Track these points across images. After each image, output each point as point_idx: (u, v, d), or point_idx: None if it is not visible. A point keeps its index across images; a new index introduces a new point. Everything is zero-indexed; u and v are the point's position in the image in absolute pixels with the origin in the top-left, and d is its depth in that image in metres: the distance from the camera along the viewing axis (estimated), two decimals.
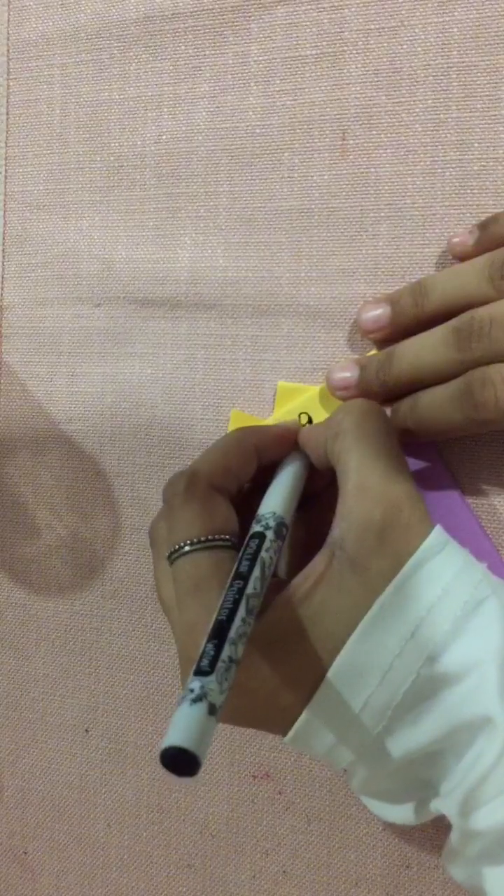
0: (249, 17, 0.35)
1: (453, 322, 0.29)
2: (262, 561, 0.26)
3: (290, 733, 0.26)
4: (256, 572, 0.25)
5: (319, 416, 0.34)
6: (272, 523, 0.27)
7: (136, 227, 0.37)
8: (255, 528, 0.27)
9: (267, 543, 0.27)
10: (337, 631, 0.25)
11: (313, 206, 0.35)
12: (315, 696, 0.25)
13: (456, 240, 0.31)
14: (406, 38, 0.33)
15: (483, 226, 0.31)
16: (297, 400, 0.35)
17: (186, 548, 0.27)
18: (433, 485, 0.33)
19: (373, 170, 0.34)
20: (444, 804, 0.25)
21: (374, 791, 0.28)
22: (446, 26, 0.32)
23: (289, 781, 0.36)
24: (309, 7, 0.34)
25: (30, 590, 0.40)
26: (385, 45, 0.33)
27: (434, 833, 0.34)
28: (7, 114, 0.39)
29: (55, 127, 0.38)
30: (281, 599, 0.26)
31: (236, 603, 0.24)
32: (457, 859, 0.26)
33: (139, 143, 0.37)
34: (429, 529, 0.26)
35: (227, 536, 0.28)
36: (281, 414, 0.35)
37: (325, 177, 0.34)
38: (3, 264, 0.40)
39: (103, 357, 0.38)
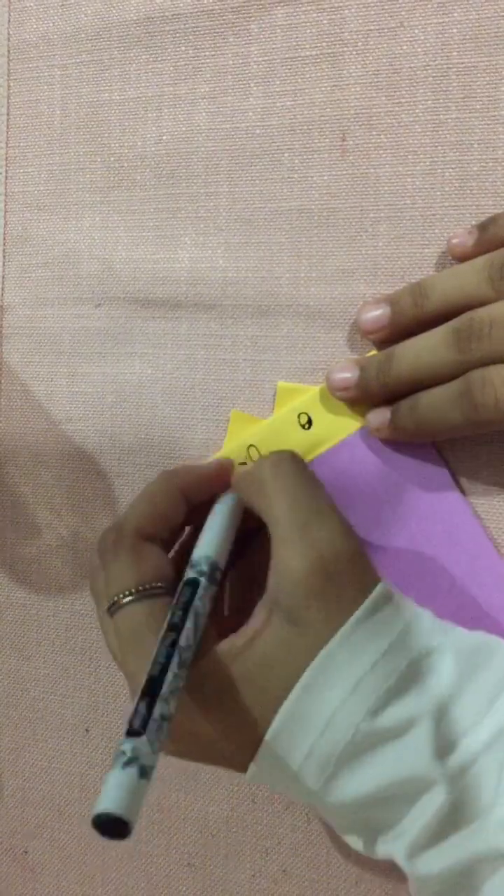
0: (249, 17, 0.35)
1: (453, 323, 0.29)
2: (195, 610, 0.26)
3: (246, 778, 0.27)
4: (189, 623, 0.25)
5: (319, 416, 0.34)
6: (205, 568, 0.27)
7: (137, 228, 0.37)
8: (189, 573, 0.27)
9: (200, 591, 0.27)
10: (278, 685, 0.25)
11: (313, 207, 0.35)
12: (258, 753, 0.26)
13: (455, 240, 0.31)
14: (406, 39, 0.33)
15: (482, 227, 0.31)
16: (297, 400, 0.35)
17: (124, 600, 0.27)
18: (433, 485, 0.33)
19: (373, 170, 0.34)
20: (392, 848, 0.26)
21: (333, 823, 0.28)
22: (446, 27, 0.32)
23: None
24: (309, 8, 0.34)
25: (30, 590, 0.40)
26: (385, 45, 0.33)
27: None
28: (7, 114, 0.39)
29: (55, 127, 0.38)
30: (221, 652, 0.26)
31: (168, 657, 0.24)
32: None
33: (139, 143, 0.37)
34: (363, 573, 0.26)
35: (160, 584, 0.28)
36: (281, 414, 0.35)
37: (325, 177, 0.34)
38: (4, 264, 0.40)
39: (103, 357, 0.38)
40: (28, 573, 0.40)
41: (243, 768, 0.27)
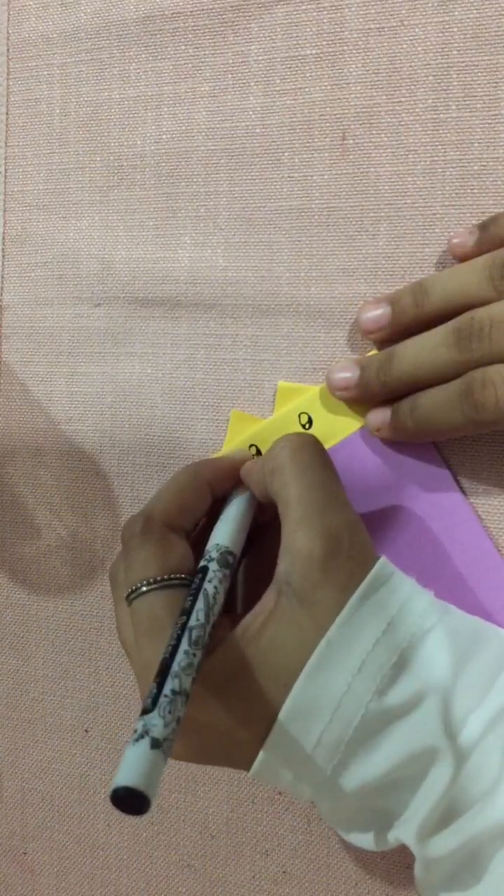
0: (249, 16, 0.35)
1: (453, 323, 0.29)
2: (205, 592, 0.26)
3: (252, 771, 0.26)
4: (199, 604, 0.26)
5: (319, 416, 0.34)
6: (215, 554, 0.28)
7: (136, 227, 0.37)
8: (201, 562, 0.28)
9: (209, 574, 0.27)
10: (289, 666, 0.25)
11: (313, 206, 0.34)
12: (269, 737, 0.26)
13: (456, 240, 0.31)
14: (406, 38, 0.33)
15: (483, 226, 0.31)
16: (297, 400, 0.35)
17: (143, 588, 0.28)
18: (433, 485, 0.33)
19: (373, 170, 0.34)
20: (402, 833, 0.26)
21: (338, 819, 0.28)
22: (446, 26, 0.32)
23: None
24: (309, 7, 0.34)
25: (30, 590, 0.40)
26: (385, 45, 0.33)
27: None
28: (7, 114, 0.39)
29: (55, 127, 0.38)
30: (232, 637, 0.26)
31: (179, 638, 0.24)
32: (426, 886, 0.26)
33: (139, 142, 0.37)
34: (370, 558, 0.26)
35: (183, 575, 0.28)
36: (281, 414, 0.35)
37: (325, 177, 0.34)
38: (3, 264, 0.40)
39: (103, 357, 0.38)
40: (28, 573, 0.40)
41: (248, 763, 0.26)
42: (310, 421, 0.34)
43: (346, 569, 0.26)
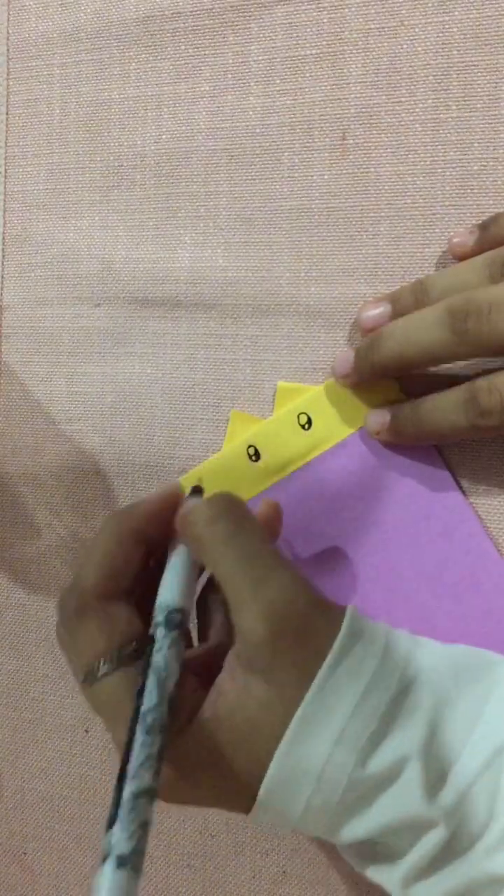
0: (249, 16, 0.35)
1: (448, 301, 0.28)
2: (155, 667, 0.25)
3: (250, 819, 0.26)
4: (151, 683, 0.24)
5: (319, 416, 0.34)
6: (161, 618, 0.26)
7: (136, 227, 0.37)
8: (151, 629, 0.26)
9: (157, 644, 0.26)
10: (265, 746, 0.25)
11: (313, 206, 0.34)
12: (254, 811, 0.25)
13: (456, 240, 0.31)
14: (406, 38, 0.33)
15: (483, 226, 0.31)
16: (296, 400, 0.35)
17: (98, 673, 0.26)
18: (433, 485, 0.33)
19: (373, 170, 0.34)
20: (386, 877, 0.25)
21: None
22: (446, 26, 0.32)
23: None
24: (309, 7, 0.34)
25: (30, 590, 0.40)
26: (385, 45, 0.33)
27: None
28: (7, 113, 0.39)
29: (55, 127, 0.38)
30: (203, 721, 0.25)
31: (133, 731, 0.23)
32: None
33: (139, 142, 0.37)
34: (325, 621, 0.25)
35: (133, 643, 0.27)
36: (281, 414, 0.35)
37: (325, 177, 0.34)
38: (3, 264, 0.40)
39: (103, 357, 0.38)
40: (28, 573, 0.40)
41: (246, 813, 0.26)
42: (309, 421, 0.34)
43: (298, 642, 0.25)
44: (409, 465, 0.33)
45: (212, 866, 0.37)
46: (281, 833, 0.36)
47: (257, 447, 0.35)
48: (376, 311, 0.32)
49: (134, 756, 0.23)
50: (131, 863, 0.21)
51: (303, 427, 0.34)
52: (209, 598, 0.31)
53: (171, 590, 0.27)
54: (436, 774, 0.24)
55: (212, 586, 0.31)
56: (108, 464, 0.38)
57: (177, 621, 0.26)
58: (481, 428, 0.28)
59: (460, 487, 0.33)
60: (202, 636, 0.31)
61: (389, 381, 0.33)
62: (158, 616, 0.26)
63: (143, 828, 0.22)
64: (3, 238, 0.39)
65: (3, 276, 0.40)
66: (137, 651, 0.26)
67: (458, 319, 0.28)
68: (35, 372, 0.39)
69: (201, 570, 0.30)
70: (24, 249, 0.39)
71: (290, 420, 0.34)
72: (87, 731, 0.39)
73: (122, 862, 0.21)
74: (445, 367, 0.32)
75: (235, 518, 0.27)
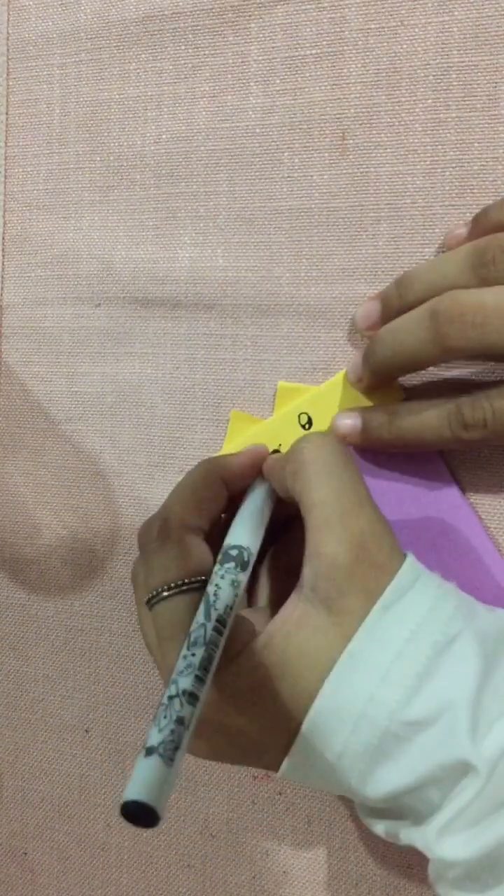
0: (249, 16, 0.35)
1: (431, 303, 0.28)
2: (206, 593, 0.26)
3: (278, 775, 0.26)
4: (200, 607, 0.26)
5: (319, 416, 0.34)
6: (233, 554, 0.28)
7: (136, 227, 0.37)
8: (218, 565, 0.28)
9: (213, 576, 0.27)
10: (314, 675, 0.25)
11: (313, 206, 0.34)
12: (293, 746, 0.25)
13: (451, 235, 0.31)
14: (406, 38, 0.33)
15: (475, 219, 0.31)
16: (297, 400, 0.35)
17: (164, 593, 0.27)
18: (433, 484, 0.33)
19: (373, 170, 0.34)
20: (419, 835, 0.25)
21: (364, 809, 0.28)
22: (446, 26, 0.32)
23: (289, 783, 0.36)
24: (309, 7, 0.34)
25: (30, 590, 0.40)
26: (385, 44, 0.33)
27: None
28: (6, 113, 0.39)
29: (55, 127, 0.38)
30: (257, 645, 0.26)
31: (190, 647, 0.24)
32: (440, 883, 0.26)
33: (139, 142, 0.37)
34: (398, 562, 0.26)
35: (203, 577, 0.28)
36: (281, 414, 0.35)
37: (325, 176, 0.34)
38: (3, 264, 0.40)
39: (103, 357, 0.38)
40: (28, 573, 0.40)
41: (276, 766, 0.26)
42: (310, 421, 0.34)
43: (372, 574, 0.25)
44: (409, 464, 0.33)
45: (212, 866, 0.37)
46: (281, 834, 0.36)
47: (255, 445, 0.35)
48: (367, 309, 0.32)
49: (176, 666, 0.24)
50: (159, 751, 0.21)
51: (303, 427, 0.34)
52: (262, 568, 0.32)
53: (236, 529, 0.29)
54: (479, 724, 0.24)
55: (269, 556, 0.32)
56: (108, 464, 0.38)
57: (235, 555, 0.28)
58: (466, 441, 0.29)
59: (460, 487, 0.33)
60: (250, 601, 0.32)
61: (392, 381, 0.33)
62: (231, 555, 0.28)
63: (177, 722, 0.22)
64: (3, 238, 0.39)
65: (3, 276, 0.40)
66: (204, 584, 0.27)
67: (441, 321, 0.28)
68: (35, 372, 0.39)
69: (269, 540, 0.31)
70: (24, 249, 0.39)
71: (291, 420, 0.34)
72: (87, 731, 0.39)
73: (150, 751, 0.21)
74: (435, 372, 0.32)
75: (341, 451, 0.28)
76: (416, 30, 0.33)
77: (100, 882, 0.39)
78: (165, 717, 0.22)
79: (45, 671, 0.40)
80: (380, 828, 0.27)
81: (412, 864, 0.34)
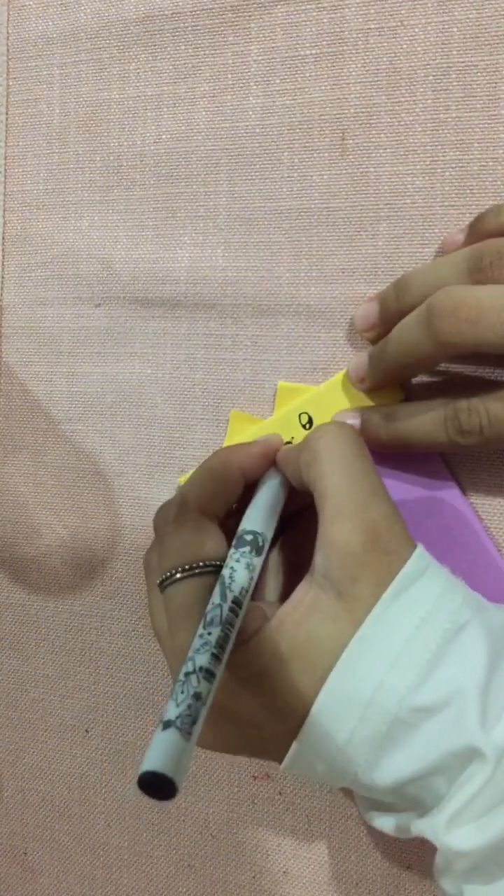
0: (249, 16, 0.35)
1: (429, 300, 0.29)
2: (222, 575, 0.26)
3: (284, 764, 0.26)
4: (216, 588, 0.26)
5: (320, 416, 0.34)
6: (248, 540, 0.28)
7: (136, 227, 0.37)
8: (233, 549, 0.28)
9: (228, 559, 0.27)
10: (323, 661, 0.25)
11: (313, 206, 0.34)
12: (302, 731, 0.25)
13: (449, 240, 0.31)
14: (406, 38, 0.33)
15: (472, 224, 0.31)
16: (297, 400, 0.35)
17: (178, 575, 0.27)
18: (433, 484, 0.33)
19: (372, 170, 0.34)
20: (428, 825, 0.25)
21: (369, 803, 0.28)
22: (446, 26, 0.32)
23: (289, 782, 0.36)
24: (309, 7, 0.34)
25: (30, 590, 0.40)
26: (385, 45, 0.33)
27: None
28: (7, 113, 0.39)
29: (55, 127, 0.38)
30: (267, 629, 0.26)
31: (205, 626, 0.25)
32: (446, 875, 0.26)
33: (139, 142, 0.37)
34: (408, 551, 0.26)
35: (217, 562, 0.28)
36: (281, 414, 0.35)
37: (325, 177, 0.34)
38: (3, 264, 0.40)
39: (103, 357, 0.38)
40: (28, 573, 0.40)
41: (281, 756, 0.26)
42: (310, 421, 0.34)
43: (384, 562, 0.26)
44: (409, 464, 0.33)
45: (212, 866, 0.37)
46: (281, 834, 0.36)
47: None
48: (366, 311, 0.32)
49: (192, 645, 0.24)
50: (176, 724, 0.21)
51: (303, 427, 0.34)
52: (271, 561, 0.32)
53: (251, 515, 0.29)
54: (491, 710, 0.24)
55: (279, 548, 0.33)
56: (108, 464, 0.38)
57: (250, 539, 0.28)
58: (461, 445, 0.29)
59: (460, 487, 0.33)
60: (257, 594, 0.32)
61: (394, 382, 0.33)
62: (245, 539, 0.28)
63: (193, 697, 0.22)
64: (3, 238, 0.39)
65: (3, 276, 0.40)
66: (218, 569, 0.27)
67: (435, 316, 0.28)
68: (35, 372, 0.39)
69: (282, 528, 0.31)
70: (24, 249, 0.39)
71: (291, 420, 0.34)
72: (87, 731, 0.39)
73: (166, 725, 0.21)
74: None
75: (356, 441, 0.28)
76: (416, 30, 0.33)
77: (100, 882, 0.39)
78: (182, 692, 0.22)
79: (45, 671, 0.40)
80: (381, 822, 0.27)
81: (412, 864, 0.34)
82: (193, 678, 0.23)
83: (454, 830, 0.24)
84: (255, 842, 0.37)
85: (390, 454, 0.33)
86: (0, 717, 0.41)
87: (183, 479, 0.36)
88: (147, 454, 0.38)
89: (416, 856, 0.34)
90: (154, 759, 0.20)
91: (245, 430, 0.35)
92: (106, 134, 0.38)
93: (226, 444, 0.36)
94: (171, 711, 0.22)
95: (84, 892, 0.40)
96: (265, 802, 0.36)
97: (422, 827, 0.25)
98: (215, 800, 0.37)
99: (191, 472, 0.36)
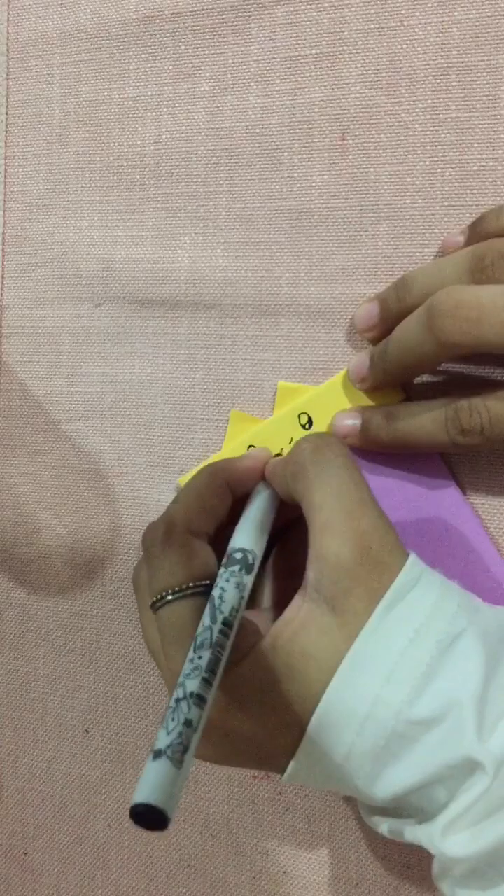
0: (249, 16, 0.35)
1: (429, 299, 0.29)
2: (212, 597, 0.26)
3: (284, 778, 0.26)
4: (206, 610, 0.26)
5: (319, 416, 0.34)
6: (238, 558, 0.28)
7: (136, 227, 0.37)
8: (223, 568, 0.28)
9: (217, 579, 0.27)
10: (319, 676, 0.25)
11: (313, 206, 0.34)
12: (300, 748, 0.25)
13: (448, 241, 0.31)
14: (406, 38, 0.33)
15: (472, 226, 0.31)
16: (297, 400, 0.35)
17: (169, 597, 0.27)
18: (433, 484, 0.33)
19: (372, 170, 0.34)
20: (424, 833, 0.25)
21: (370, 809, 0.28)
22: (446, 26, 0.32)
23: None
24: (309, 7, 0.34)
25: (30, 590, 0.40)
26: (385, 45, 0.33)
27: None
28: (7, 113, 0.39)
29: (55, 127, 0.38)
30: (262, 647, 0.26)
31: (195, 649, 0.24)
32: (444, 879, 0.26)
33: (139, 142, 0.37)
34: (401, 561, 0.26)
35: (208, 581, 0.27)
36: (281, 414, 0.35)
37: (325, 177, 0.34)
38: (3, 264, 0.40)
39: (103, 357, 0.38)
40: (28, 573, 0.40)
41: (282, 770, 0.26)
42: (310, 421, 0.34)
43: (376, 574, 0.25)
44: (409, 464, 0.33)
45: (212, 866, 0.37)
46: (282, 834, 0.36)
47: (257, 447, 0.35)
48: (366, 311, 0.32)
49: (182, 670, 0.24)
50: (167, 754, 0.21)
51: (303, 427, 0.34)
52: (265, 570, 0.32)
53: (241, 533, 0.29)
54: (485, 722, 0.24)
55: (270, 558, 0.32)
56: (108, 464, 0.38)
57: (239, 558, 0.28)
58: (462, 445, 0.29)
59: (460, 487, 0.33)
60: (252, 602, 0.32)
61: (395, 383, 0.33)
62: (235, 557, 0.28)
63: (185, 725, 0.22)
64: (3, 238, 0.39)
65: (3, 276, 0.40)
66: (209, 588, 0.27)
67: (436, 315, 0.28)
68: (35, 372, 0.39)
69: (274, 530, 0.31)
70: (24, 249, 0.39)
71: (291, 420, 0.34)
72: (87, 731, 0.39)
73: (157, 754, 0.21)
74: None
75: (341, 451, 0.28)
76: (416, 30, 0.33)
77: (100, 882, 0.39)
78: (173, 719, 0.22)
79: (45, 671, 0.40)
80: (384, 827, 0.27)
81: (412, 864, 0.34)
82: (184, 704, 0.23)
83: (450, 837, 0.24)
84: (255, 842, 0.37)
85: (390, 454, 0.33)
86: (0, 717, 0.41)
87: (183, 479, 0.36)
88: (147, 454, 0.38)
89: (416, 856, 0.34)
90: (145, 791, 0.20)
91: (245, 430, 0.35)
92: (106, 134, 0.38)
93: (225, 443, 0.36)
94: (162, 740, 0.22)
95: (84, 892, 0.40)
96: (265, 802, 0.36)
97: (418, 834, 0.25)
98: (215, 800, 0.37)
99: (191, 472, 0.36)
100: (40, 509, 0.39)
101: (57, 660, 0.40)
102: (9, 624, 0.40)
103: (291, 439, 0.34)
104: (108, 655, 0.39)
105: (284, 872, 0.36)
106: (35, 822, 0.40)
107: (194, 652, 0.24)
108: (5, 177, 0.39)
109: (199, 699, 0.23)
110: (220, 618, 0.25)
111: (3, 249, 0.40)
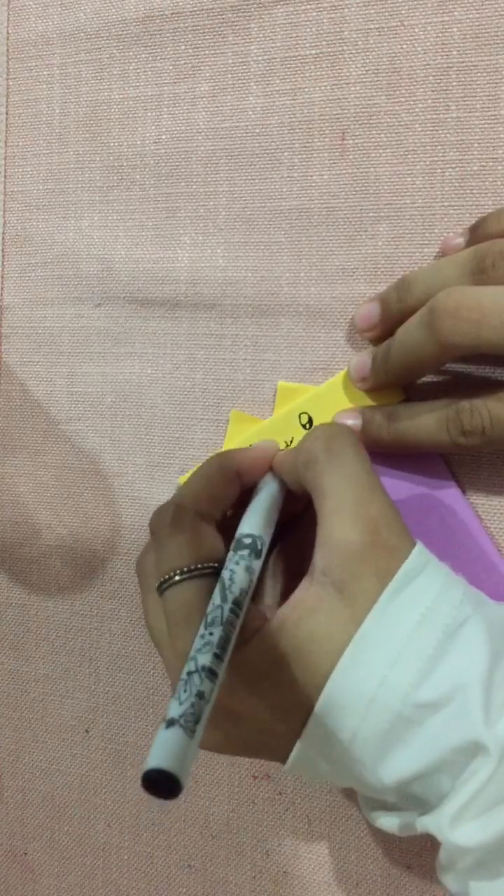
0: (249, 16, 0.35)
1: (430, 300, 0.29)
2: (222, 577, 0.26)
3: (288, 764, 0.26)
4: (216, 590, 0.26)
5: (320, 416, 0.34)
6: (246, 543, 0.28)
7: (136, 227, 0.37)
8: (231, 552, 0.28)
9: (227, 561, 0.27)
10: (325, 659, 0.25)
11: (313, 206, 0.34)
12: (305, 730, 0.25)
13: (448, 243, 0.31)
14: (406, 38, 0.33)
15: (473, 228, 0.31)
16: (297, 400, 0.35)
17: (176, 577, 0.27)
18: (433, 484, 0.33)
19: (372, 170, 0.34)
20: (433, 822, 0.25)
21: (373, 803, 0.28)
22: (446, 26, 0.32)
23: (289, 782, 0.36)
24: (309, 7, 0.34)
25: (30, 590, 0.40)
26: (385, 45, 0.33)
27: None
28: (7, 113, 0.39)
29: (55, 127, 0.38)
30: (268, 629, 0.26)
31: (206, 626, 0.25)
32: (450, 871, 0.26)
33: (139, 142, 0.37)
34: (409, 547, 0.26)
35: (215, 564, 0.28)
36: (281, 414, 0.35)
37: (325, 177, 0.34)
38: (3, 264, 0.40)
39: (103, 357, 0.38)
40: (28, 573, 0.40)
41: (284, 756, 0.26)
42: (310, 421, 0.34)
43: (384, 558, 0.26)
44: (409, 464, 0.33)
45: (213, 866, 0.37)
46: (282, 834, 0.36)
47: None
48: (367, 311, 0.32)
49: (194, 645, 0.24)
50: (180, 723, 0.21)
51: (304, 427, 0.34)
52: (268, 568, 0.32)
53: (249, 520, 0.29)
54: (494, 704, 0.24)
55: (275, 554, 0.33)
56: (108, 464, 0.38)
57: (248, 543, 0.28)
58: (463, 446, 0.29)
59: (460, 487, 0.33)
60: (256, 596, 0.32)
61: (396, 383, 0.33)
62: (244, 542, 0.28)
63: (196, 696, 0.22)
64: (3, 238, 0.39)
65: (3, 276, 0.40)
66: (216, 571, 0.27)
67: (437, 316, 0.28)
68: (35, 372, 0.39)
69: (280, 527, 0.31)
70: (24, 249, 0.39)
71: (291, 420, 0.34)
72: (87, 731, 0.39)
73: (170, 723, 0.21)
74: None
75: (353, 441, 0.28)
76: (416, 30, 0.33)
77: (100, 882, 0.39)
78: (185, 690, 0.22)
79: (45, 671, 0.40)
80: (384, 821, 0.27)
81: (412, 864, 0.34)
82: (196, 677, 0.23)
83: (459, 826, 0.24)
84: (255, 842, 0.37)
85: (391, 454, 0.33)
86: (0, 717, 0.41)
87: (183, 479, 0.36)
88: (147, 454, 0.38)
89: (416, 856, 0.34)
90: (158, 756, 0.20)
91: (245, 430, 0.35)
92: (106, 134, 0.38)
93: (226, 444, 0.36)
94: (174, 710, 0.22)
95: (84, 892, 0.40)
96: (265, 802, 0.36)
97: (426, 823, 0.25)
98: (216, 800, 0.37)
99: (191, 472, 0.36)
100: (40, 509, 0.39)
101: (57, 660, 0.40)
102: (9, 624, 0.40)
103: (292, 439, 0.34)
104: (108, 655, 0.39)
105: (284, 872, 0.36)
106: (35, 822, 0.40)
107: (205, 628, 0.24)
108: (5, 177, 0.39)
109: (211, 673, 0.23)
110: (230, 597, 0.25)
111: (3, 249, 0.40)
